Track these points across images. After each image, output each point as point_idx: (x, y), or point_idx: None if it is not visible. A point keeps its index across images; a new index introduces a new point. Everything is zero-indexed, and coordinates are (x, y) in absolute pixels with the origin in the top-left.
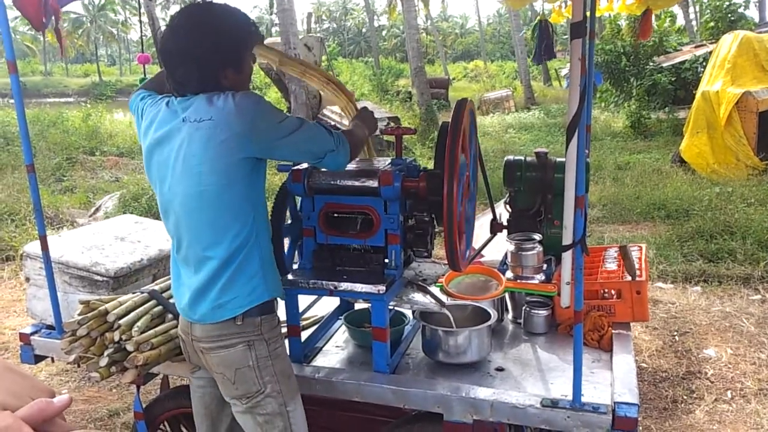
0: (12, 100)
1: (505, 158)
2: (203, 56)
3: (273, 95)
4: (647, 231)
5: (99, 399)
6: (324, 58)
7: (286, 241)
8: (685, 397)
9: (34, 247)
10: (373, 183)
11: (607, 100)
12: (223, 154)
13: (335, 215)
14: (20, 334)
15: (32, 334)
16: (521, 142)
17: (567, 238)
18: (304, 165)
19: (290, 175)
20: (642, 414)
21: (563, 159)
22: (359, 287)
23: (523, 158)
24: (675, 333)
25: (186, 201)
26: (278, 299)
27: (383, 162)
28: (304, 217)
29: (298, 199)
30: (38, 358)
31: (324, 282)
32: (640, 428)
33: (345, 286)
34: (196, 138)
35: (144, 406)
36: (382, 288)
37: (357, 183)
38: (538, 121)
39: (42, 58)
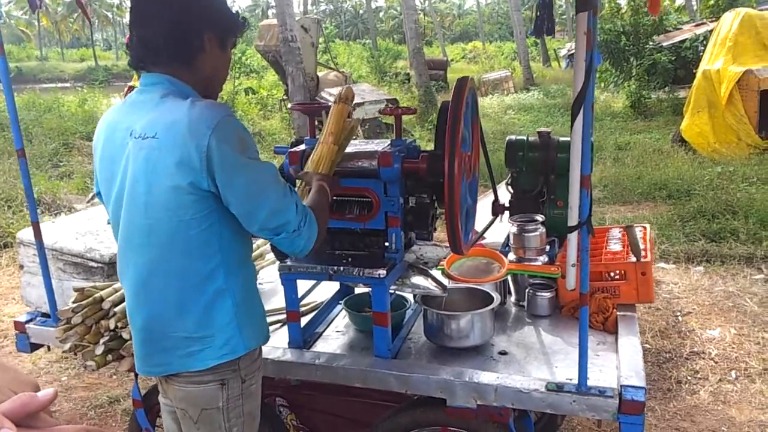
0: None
1: (507, 138)
2: (184, 7)
3: (270, 78)
4: (648, 211)
5: (99, 386)
6: (321, 40)
7: None
8: (689, 378)
9: (27, 234)
10: (373, 164)
11: (606, 80)
12: (169, 183)
13: (335, 198)
14: (15, 322)
15: (27, 322)
16: (521, 123)
17: (572, 219)
18: (302, 146)
19: (287, 157)
20: (646, 395)
21: (566, 138)
22: (359, 271)
23: (525, 138)
24: (678, 313)
25: (129, 235)
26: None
27: (383, 143)
28: None
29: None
30: (34, 346)
31: (323, 266)
32: (644, 409)
33: (344, 270)
34: (140, 158)
35: (143, 393)
36: (382, 272)
37: (356, 165)
38: (537, 102)
39: (37, 43)
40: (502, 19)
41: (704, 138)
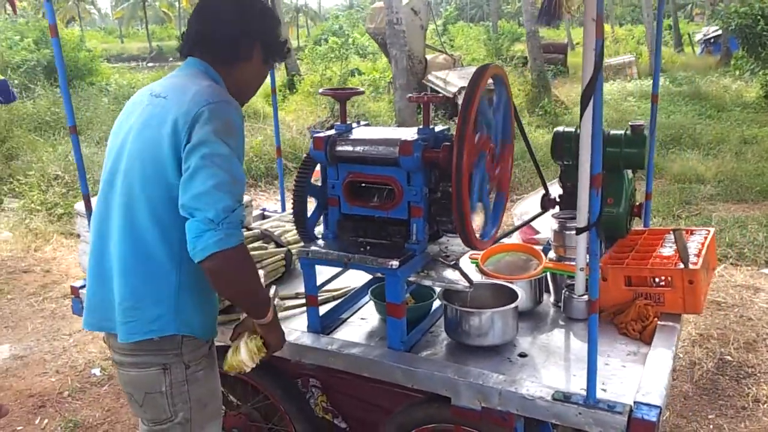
0: (150, 64)
1: (555, 129)
2: (246, 15)
3: (385, 60)
4: (762, 212)
5: None
6: (439, 22)
7: (311, 207)
8: None
9: (82, 206)
10: (394, 152)
11: (741, 67)
12: (154, 142)
13: (362, 185)
14: (71, 286)
15: (81, 287)
16: (640, 111)
17: (581, 221)
18: (330, 132)
19: (312, 141)
20: (716, 411)
21: (619, 131)
22: (373, 260)
23: (574, 129)
24: None
25: (109, 178)
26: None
27: (411, 131)
28: (329, 186)
29: None
30: None
31: (339, 253)
32: (711, 426)
33: (360, 258)
34: (145, 112)
35: None
36: (395, 263)
37: (378, 152)
38: (662, 89)
39: (177, 23)
40: (635, 1)
41: None
